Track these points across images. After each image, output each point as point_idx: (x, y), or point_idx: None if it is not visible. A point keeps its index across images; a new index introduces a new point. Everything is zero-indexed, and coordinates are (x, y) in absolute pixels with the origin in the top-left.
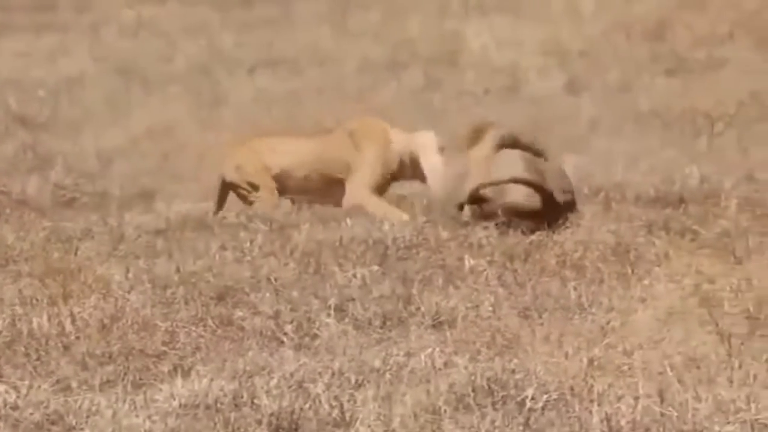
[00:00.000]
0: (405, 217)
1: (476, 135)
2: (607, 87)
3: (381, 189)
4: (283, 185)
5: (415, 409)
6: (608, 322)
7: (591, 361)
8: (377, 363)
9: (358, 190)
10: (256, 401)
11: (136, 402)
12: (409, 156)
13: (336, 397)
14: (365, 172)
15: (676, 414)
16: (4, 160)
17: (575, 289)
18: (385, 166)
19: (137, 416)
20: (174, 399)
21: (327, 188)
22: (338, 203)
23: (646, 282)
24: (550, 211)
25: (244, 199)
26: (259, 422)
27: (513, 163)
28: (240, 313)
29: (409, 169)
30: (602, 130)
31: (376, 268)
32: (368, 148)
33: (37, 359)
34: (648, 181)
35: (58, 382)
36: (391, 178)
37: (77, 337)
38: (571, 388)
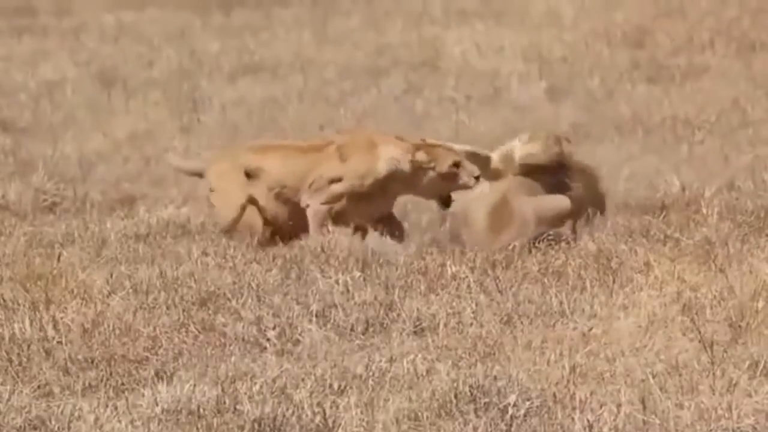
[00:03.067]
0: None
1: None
2: (589, 94)
3: (355, 206)
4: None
5: (397, 415)
6: (590, 329)
7: (573, 368)
8: (359, 369)
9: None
10: (238, 407)
11: (119, 407)
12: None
13: (318, 403)
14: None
15: (658, 421)
16: None
17: (557, 296)
18: (359, 183)
19: (119, 421)
20: (156, 404)
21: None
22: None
23: (627, 289)
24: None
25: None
26: (242, 428)
27: None
28: (222, 319)
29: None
30: (583, 137)
31: (358, 274)
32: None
33: (19, 364)
34: (629, 189)
35: (39, 387)
36: (374, 193)
37: (59, 342)
38: (554, 395)
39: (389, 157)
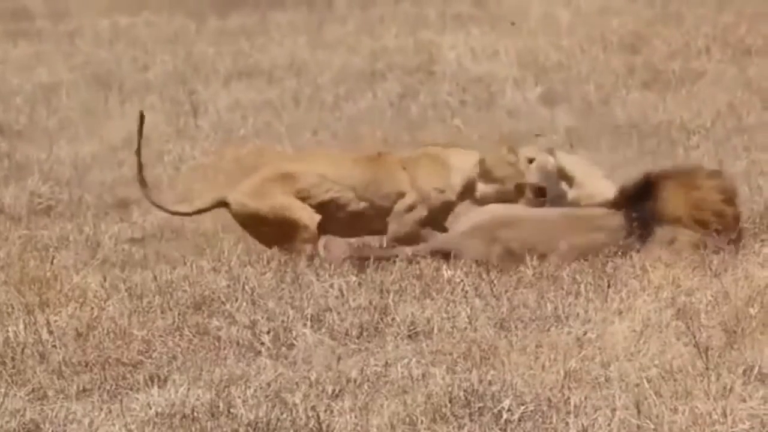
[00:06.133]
0: None
1: None
2: (584, 99)
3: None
4: (330, 215)
5: (392, 419)
6: (585, 334)
7: (568, 373)
8: (354, 373)
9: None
10: (232, 411)
11: (113, 411)
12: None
13: (313, 407)
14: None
15: (652, 426)
16: None
17: (552, 300)
18: (437, 200)
19: (114, 425)
20: (150, 408)
21: (372, 220)
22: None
23: (622, 294)
24: None
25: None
26: None
27: None
28: (217, 323)
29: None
30: (578, 143)
31: (353, 278)
32: (424, 184)
33: (13, 368)
34: None
35: (34, 390)
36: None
37: (53, 346)
38: (548, 400)
39: (462, 167)
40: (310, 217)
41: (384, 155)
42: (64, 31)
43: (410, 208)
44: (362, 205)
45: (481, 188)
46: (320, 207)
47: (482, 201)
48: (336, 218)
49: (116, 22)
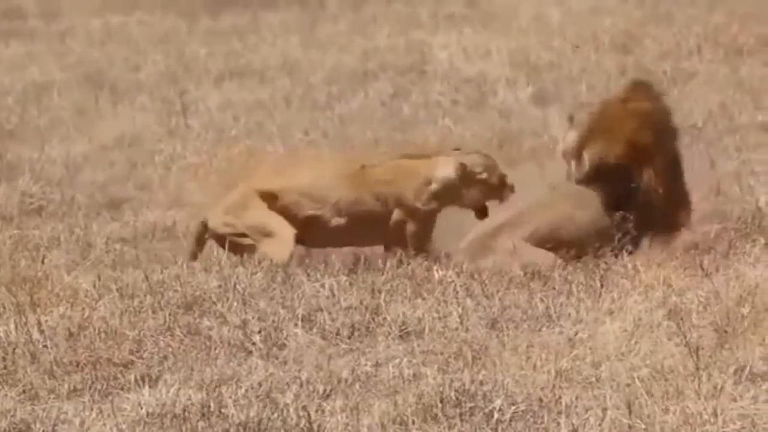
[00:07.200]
0: None
1: None
2: (576, 99)
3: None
4: (312, 230)
5: (382, 419)
6: (576, 334)
7: (559, 373)
8: (345, 373)
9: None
10: (223, 411)
11: (104, 410)
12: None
13: (304, 407)
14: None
15: (643, 426)
16: None
17: (543, 300)
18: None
19: (105, 425)
20: (141, 408)
21: (355, 233)
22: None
23: (614, 294)
24: None
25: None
26: None
27: None
28: (208, 323)
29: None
30: None
31: (344, 278)
32: (408, 201)
33: (4, 368)
34: None
35: (25, 390)
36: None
37: (45, 346)
38: (539, 400)
39: (443, 170)
40: (288, 234)
41: (367, 169)
42: (56, 30)
43: (398, 226)
44: (344, 220)
45: (466, 192)
46: (302, 222)
47: (468, 205)
48: (318, 232)
49: (108, 21)
